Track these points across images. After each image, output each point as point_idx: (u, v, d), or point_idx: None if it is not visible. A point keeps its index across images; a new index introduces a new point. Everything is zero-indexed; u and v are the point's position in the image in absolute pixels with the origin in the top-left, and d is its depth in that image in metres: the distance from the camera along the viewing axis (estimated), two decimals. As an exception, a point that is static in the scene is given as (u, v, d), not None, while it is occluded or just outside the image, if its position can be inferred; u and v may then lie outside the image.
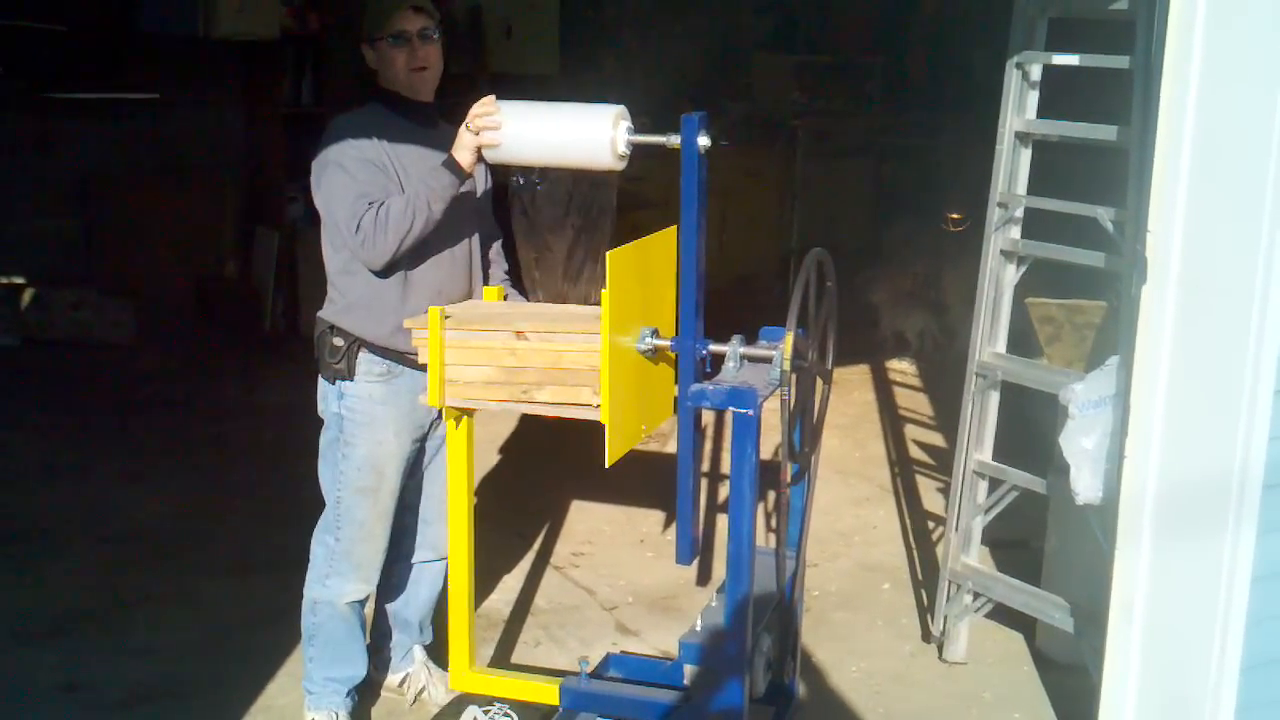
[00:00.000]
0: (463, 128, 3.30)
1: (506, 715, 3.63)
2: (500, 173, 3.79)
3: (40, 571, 4.78)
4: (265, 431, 6.34)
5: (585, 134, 3.19)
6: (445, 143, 3.38)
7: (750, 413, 3.00)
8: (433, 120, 3.52)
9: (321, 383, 3.58)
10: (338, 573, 3.62)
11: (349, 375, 3.49)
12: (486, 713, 3.63)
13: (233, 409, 6.79)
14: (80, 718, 3.86)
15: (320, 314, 3.56)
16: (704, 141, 3.05)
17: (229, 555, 4.96)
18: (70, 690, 3.98)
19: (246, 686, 3.98)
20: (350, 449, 3.54)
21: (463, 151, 3.31)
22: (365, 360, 3.49)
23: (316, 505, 3.66)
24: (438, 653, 3.94)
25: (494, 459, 6.04)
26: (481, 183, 3.68)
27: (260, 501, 5.47)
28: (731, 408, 3.02)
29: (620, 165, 3.20)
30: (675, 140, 3.07)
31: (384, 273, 3.41)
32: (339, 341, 3.49)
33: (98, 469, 5.84)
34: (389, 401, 3.52)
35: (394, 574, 3.82)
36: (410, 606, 3.91)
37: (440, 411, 3.37)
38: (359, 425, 3.52)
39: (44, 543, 5.02)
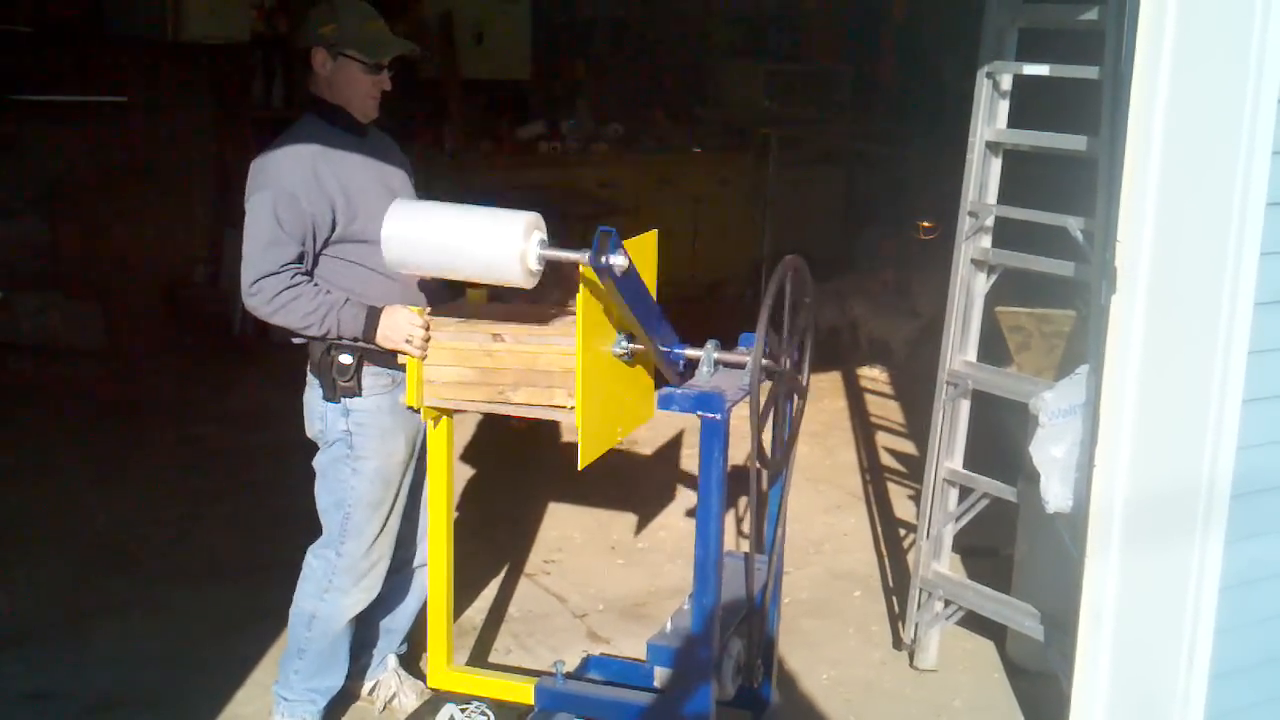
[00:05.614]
0: (400, 338, 3.25)
1: (484, 714, 3.64)
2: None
3: (5, 578, 4.71)
4: (234, 437, 6.30)
5: (493, 247, 2.91)
6: (375, 148, 3.46)
7: (717, 417, 3.00)
8: (363, 128, 3.50)
9: (317, 403, 3.49)
10: (338, 587, 3.57)
11: (359, 391, 3.44)
12: (464, 710, 3.64)
13: (201, 414, 6.73)
14: (44, 726, 3.83)
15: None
16: (619, 261, 2.82)
17: (196, 563, 4.91)
18: (35, 699, 3.94)
19: (212, 695, 3.95)
20: (362, 462, 3.48)
21: (385, 339, 3.29)
22: (371, 374, 3.44)
23: (286, 513, 3.63)
24: (410, 661, 3.92)
25: (466, 464, 6.01)
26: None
27: (229, 508, 5.43)
28: (699, 412, 3.02)
29: (531, 283, 2.94)
30: (587, 258, 2.82)
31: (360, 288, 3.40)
32: (346, 359, 3.40)
33: (64, 474, 5.78)
34: (396, 410, 3.46)
35: (384, 584, 3.77)
36: (400, 615, 3.88)
37: (424, 415, 3.36)
38: (370, 438, 3.47)
39: (9, 549, 4.95)
